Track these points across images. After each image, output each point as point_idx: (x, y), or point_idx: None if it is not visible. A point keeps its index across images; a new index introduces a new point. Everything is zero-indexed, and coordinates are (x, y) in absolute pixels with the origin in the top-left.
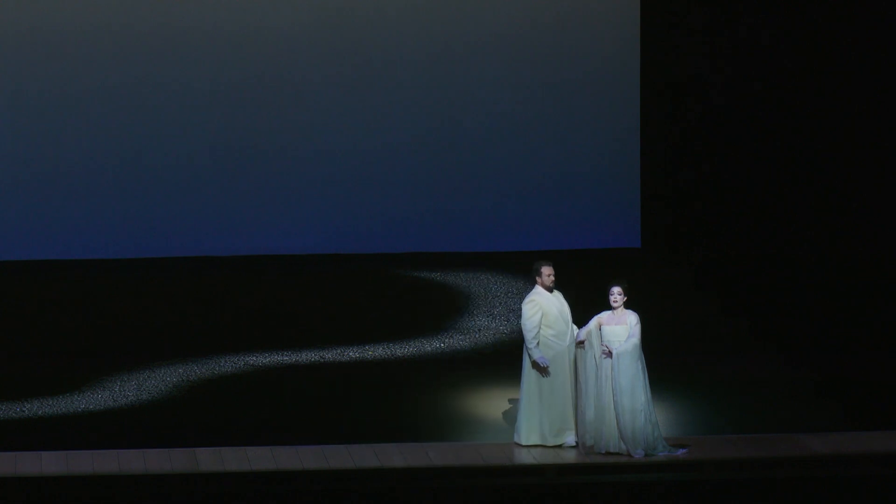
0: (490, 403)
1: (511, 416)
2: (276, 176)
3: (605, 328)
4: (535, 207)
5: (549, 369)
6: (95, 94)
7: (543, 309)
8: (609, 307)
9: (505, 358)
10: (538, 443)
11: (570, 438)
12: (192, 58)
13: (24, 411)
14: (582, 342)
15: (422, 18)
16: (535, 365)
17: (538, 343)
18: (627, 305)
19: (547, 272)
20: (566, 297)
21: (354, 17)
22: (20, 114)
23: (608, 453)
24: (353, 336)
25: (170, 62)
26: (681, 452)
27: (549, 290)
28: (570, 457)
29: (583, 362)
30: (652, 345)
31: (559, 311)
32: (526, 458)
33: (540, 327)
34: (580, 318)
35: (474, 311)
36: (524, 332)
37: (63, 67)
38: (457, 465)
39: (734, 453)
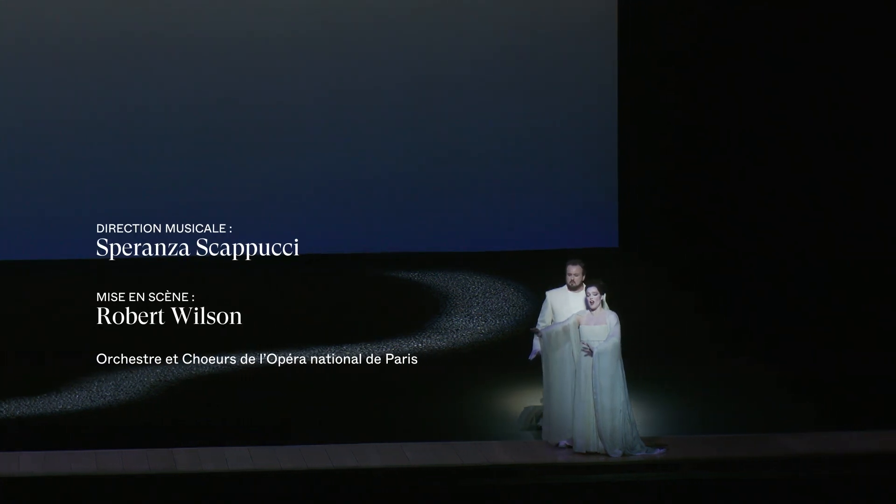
0: (468, 403)
1: (487, 414)
2: (276, 176)
3: (584, 328)
4: (512, 208)
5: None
6: (96, 93)
7: (552, 305)
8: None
9: (482, 358)
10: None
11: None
12: (191, 58)
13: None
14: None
15: (412, 22)
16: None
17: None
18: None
19: (568, 271)
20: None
21: (350, 21)
22: (20, 113)
23: (588, 453)
24: (331, 336)
25: (168, 63)
26: (658, 452)
27: (572, 288)
28: (548, 456)
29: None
30: (630, 344)
31: (571, 311)
32: (503, 457)
33: (548, 322)
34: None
35: (451, 311)
36: None
37: (63, 67)
38: (435, 465)
39: (712, 453)
